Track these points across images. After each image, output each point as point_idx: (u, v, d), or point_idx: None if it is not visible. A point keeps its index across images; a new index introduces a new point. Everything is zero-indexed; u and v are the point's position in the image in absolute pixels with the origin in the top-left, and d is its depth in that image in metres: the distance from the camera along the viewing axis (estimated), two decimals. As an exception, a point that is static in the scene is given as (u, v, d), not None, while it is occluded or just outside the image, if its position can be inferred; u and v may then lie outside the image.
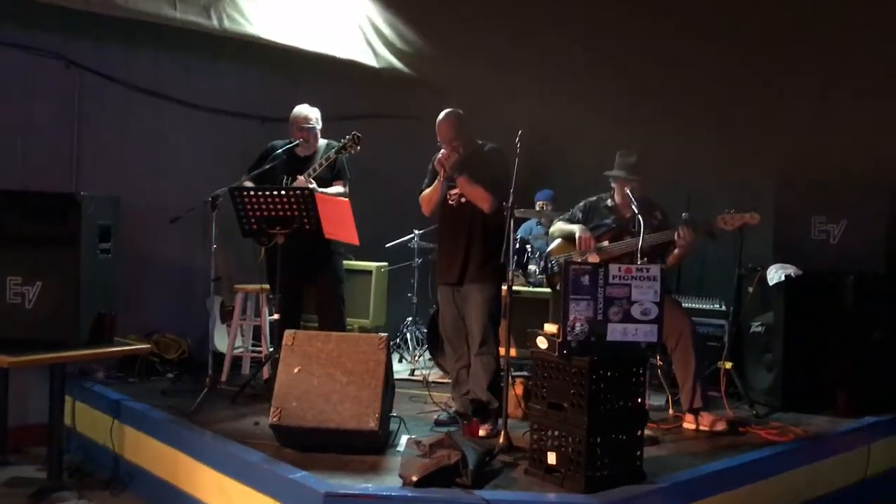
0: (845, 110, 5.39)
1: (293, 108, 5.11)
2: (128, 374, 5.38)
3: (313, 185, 4.79)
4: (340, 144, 4.90)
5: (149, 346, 5.04)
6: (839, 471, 4.54)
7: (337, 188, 4.98)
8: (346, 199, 4.86)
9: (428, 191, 4.57)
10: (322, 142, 5.09)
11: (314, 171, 4.88)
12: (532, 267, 5.92)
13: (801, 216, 5.67)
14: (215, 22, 5.48)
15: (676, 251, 4.64)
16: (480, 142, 4.55)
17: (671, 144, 5.99)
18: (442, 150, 4.41)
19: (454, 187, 4.49)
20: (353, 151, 4.90)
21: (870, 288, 5.21)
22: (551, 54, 6.02)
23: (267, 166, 4.97)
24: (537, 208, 6.48)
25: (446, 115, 4.47)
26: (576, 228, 4.81)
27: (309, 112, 5.06)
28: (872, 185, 5.36)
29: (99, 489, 4.42)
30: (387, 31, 6.36)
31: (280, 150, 5.01)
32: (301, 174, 4.90)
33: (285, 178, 4.95)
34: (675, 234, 4.57)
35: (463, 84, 6.23)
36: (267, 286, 5.14)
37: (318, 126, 5.08)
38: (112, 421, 4.61)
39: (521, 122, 4.27)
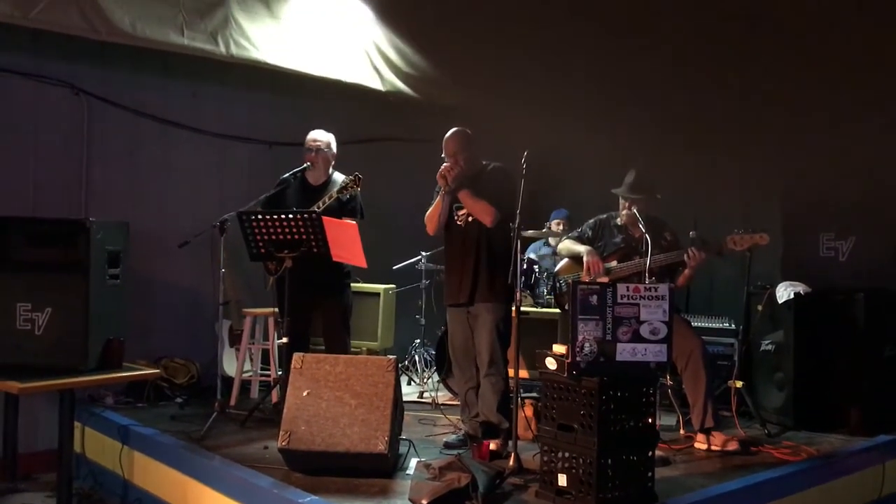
0: (852, 128, 5.40)
1: (300, 132, 5.14)
2: (137, 399, 5.38)
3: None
4: (342, 184, 4.89)
5: (158, 371, 5.03)
6: (853, 490, 4.49)
7: (351, 220, 4.96)
8: (354, 223, 4.87)
9: (431, 209, 4.59)
10: (338, 176, 5.09)
11: (323, 203, 4.88)
12: (540, 287, 5.91)
13: (810, 234, 5.66)
14: (223, 48, 5.53)
15: (686, 272, 4.62)
16: (485, 162, 4.58)
17: (678, 163, 6.00)
18: (444, 164, 4.45)
19: (462, 208, 4.51)
20: (353, 192, 4.90)
21: (880, 305, 5.18)
22: (556, 77, 6.06)
23: (275, 190, 4.99)
24: (553, 227, 6.47)
25: (453, 131, 4.54)
26: (583, 250, 4.81)
27: (318, 135, 5.08)
28: (881, 202, 5.35)
29: (108, 515, 4.41)
30: (392, 54, 6.41)
31: (289, 175, 5.03)
32: (312, 203, 4.90)
33: (296, 206, 4.95)
34: (685, 254, 4.56)
35: (468, 107, 6.27)
36: (276, 310, 5.15)
37: (328, 150, 5.08)
38: (121, 446, 4.60)
39: (527, 144, 4.29)
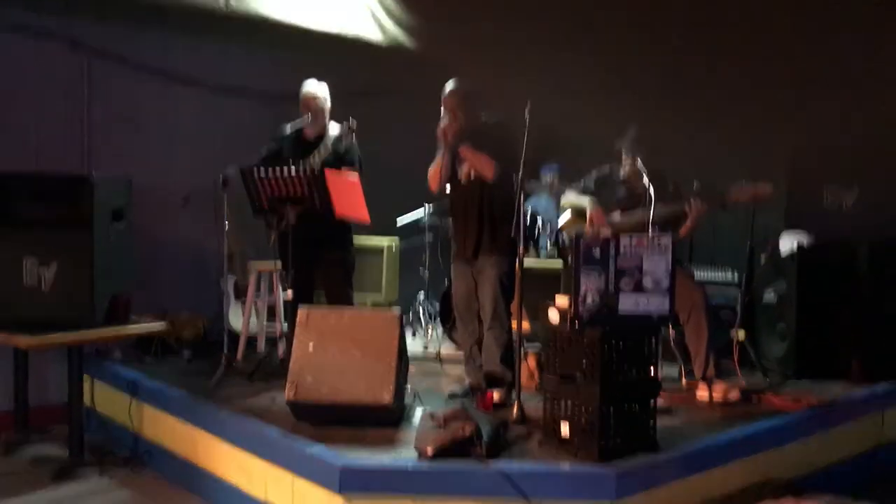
0: (857, 80, 5.34)
1: (300, 85, 5.10)
2: (144, 353, 5.44)
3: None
4: (337, 135, 4.86)
5: (164, 325, 5.09)
6: (852, 438, 4.55)
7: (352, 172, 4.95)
8: (356, 179, 4.86)
9: (433, 166, 4.58)
10: (333, 126, 5.06)
11: (319, 155, 4.86)
12: (543, 240, 5.92)
13: (814, 185, 5.64)
14: (221, 1, 5.47)
15: (689, 223, 4.63)
16: (485, 116, 4.55)
17: (682, 117, 5.96)
18: (444, 119, 4.43)
19: (464, 163, 4.50)
20: (349, 142, 4.87)
21: (883, 255, 5.19)
22: (558, 31, 5.98)
23: (274, 147, 4.98)
24: (544, 182, 6.46)
25: (452, 85, 4.49)
26: (587, 202, 4.80)
27: (315, 88, 5.04)
28: (885, 152, 5.32)
29: (119, 466, 4.50)
30: (393, 6, 6.33)
31: (288, 127, 5.00)
32: (309, 157, 4.87)
33: (293, 161, 4.92)
34: (687, 205, 4.55)
35: (469, 59, 6.20)
36: (279, 264, 5.17)
37: (327, 104, 5.05)
38: (130, 400, 4.67)
39: (529, 97, 4.26)
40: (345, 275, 5.07)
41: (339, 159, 4.90)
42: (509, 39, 6.12)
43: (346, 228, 5.06)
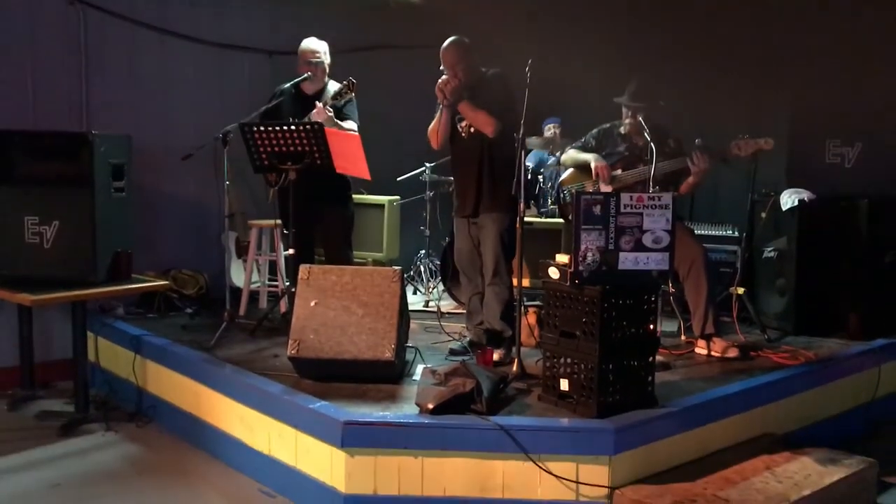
0: (859, 37, 5.28)
1: (300, 41, 5.06)
2: (147, 310, 5.48)
3: (331, 113, 4.75)
4: (336, 91, 4.82)
5: (167, 282, 5.12)
6: (849, 392, 4.61)
7: (350, 124, 4.94)
8: (357, 134, 4.84)
9: (434, 122, 4.55)
10: (333, 84, 5.02)
11: (326, 103, 4.84)
12: (544, 197, 5.92)
13: (816, 140, 5.61)
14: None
15: (690, 179, 4.61)
16: (484, 69, 4.51)
17: (683, 71, 5.90)
18: (442, 77, 4.39)
19: (464, 119, 4.47)
20: (349, 98, 4.83)
21: (883, 211, 5.19)
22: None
23: (273, 103, 4.95)
24: (546, 133, 6.43)
25: (450, 41, 4.44)
26: (590, 157, 4.78)
27: (317, 45, 5.00)
28: (887, 109, 5.29)
29: (125, 421, 4.56)
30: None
31: (288, 85, 4.98)
32: (307, 112, 4.84)
33: (292, 117, 4.90)
34: (689, 160, 4.54)
35: (470, 13, 6.12)
36: (279, 222, 5.18)
37: (327, 60, 5.02)
38: (134, 356, 4.71)
39: (529, 53, 4.21)
40: (344, 232, 5.09)
41: (338, 114, 4.88)
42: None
43: (345, 185, 5.06)
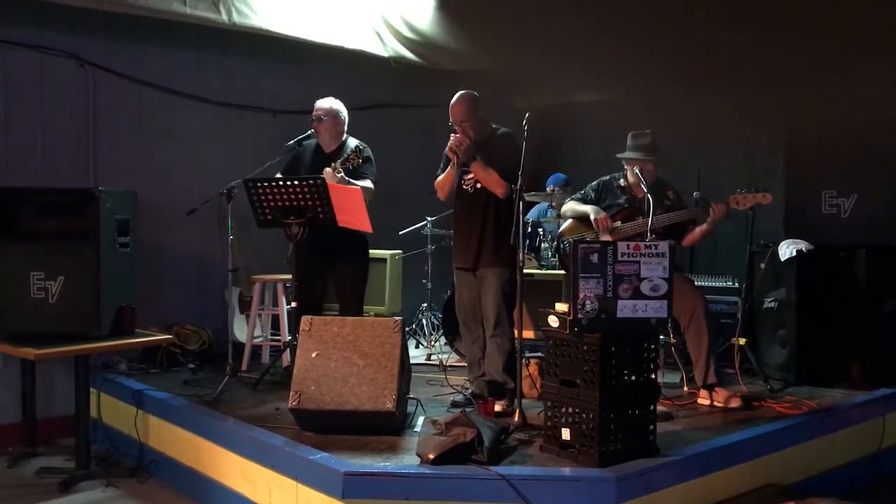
0: (855, 80, 5.36)
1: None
2: (150, 365, 5.48)
3: (340, 175, 4.80)
4: (344, 157, 4.89)
5: (170, 337, 5.13)
6: (853, 442, 4.56)
7: (365, 182, 4.95)
8: (358, 188, 4.90)
9: (442, 176, 4.61)
10: (352, 141, 5.09)
11: (336, 169, 4.89)
12: (544, 247, 5.96)
13: (812, 191, 5.68)
14: (224, 16, 5.56)
15: (706, 226, 4.66)
16: (494, 126, 4.59)
17: (682, 122, 6.00)
18: (453, 136, 4.46)
19: (469, 173, 4.53)
20: (355, 164, 4.90)
21: (881, 260, 5.22)
22: (558, 34, 6.02)
23: (287, 157, 5.04)
24: (549, 191, 6.50)
25: (459, 96, 4.50)
26: (589, 209, 4.85)
27: (320, 103, 5.08)
28: (882, 158, 5.36)
29: (126, 477, 4.53)
30: (394, 19, 6.41)
31: (293, 142, 5.06)
32: (322, 170, 4.90)
33: (310, 172, 4.92)
34: (709, 210, 4.58)
35: (472, 71, 6.26)
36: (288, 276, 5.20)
37: (329, 118, 5.02)
38: (136, 411, 4.71)
39: (530, 107, 4.30)
40: (354, 286, 5.07)
41: (353, 174, 4.94)
42: (512, 47, 6.15)
43: (362, 239, 5.07)
